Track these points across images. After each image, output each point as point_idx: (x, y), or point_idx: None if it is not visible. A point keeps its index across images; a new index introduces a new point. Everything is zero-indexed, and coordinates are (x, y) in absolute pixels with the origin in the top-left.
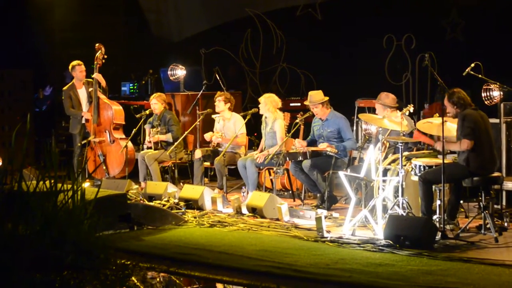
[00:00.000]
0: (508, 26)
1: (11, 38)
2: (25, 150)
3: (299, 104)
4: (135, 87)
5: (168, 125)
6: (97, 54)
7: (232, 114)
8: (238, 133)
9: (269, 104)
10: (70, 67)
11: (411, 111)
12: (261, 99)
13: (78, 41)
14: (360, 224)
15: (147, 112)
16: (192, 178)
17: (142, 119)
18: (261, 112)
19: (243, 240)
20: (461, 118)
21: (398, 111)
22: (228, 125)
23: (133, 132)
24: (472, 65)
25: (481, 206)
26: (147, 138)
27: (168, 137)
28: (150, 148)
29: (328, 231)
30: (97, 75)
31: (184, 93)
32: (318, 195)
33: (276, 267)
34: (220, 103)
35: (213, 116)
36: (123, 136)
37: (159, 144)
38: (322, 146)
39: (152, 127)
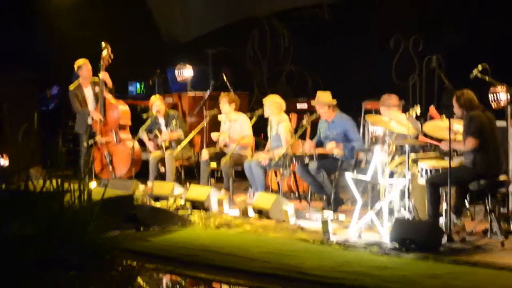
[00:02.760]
0: None
1: (18, 37)
2: (32, 150)
3: (306, 105)
4: (142, 87)
5: (177, 120)
6: (103, 53)
7: (239, 115)
8: (245, 134)
9: (273, 107)
10: (76, 66)
11: (418, 113)
12: (266, 101)
13: (85, 40)
14: (366, 227)
15: (154, 112)
16: (199, 179)
17: (149, 120)
18: (266, 115)
19: (249, 242)
20: (467, 118)
21: (402, 112)
22: (235, 126)
23: (140, 131)
24: (480, 67)
25: (488, 209)
26: (148, 143)
27: (180, 134)
28: (159, 150)
29: (334, 234)
30: (104, 74)
31: (191, 93)
32: (325, 197)
33: (281, 269)
34: (225, 104)
35: (219, 116)
36: (130, 136)
37: (171, 143)
38: (330, 145)
39: (150, 131)
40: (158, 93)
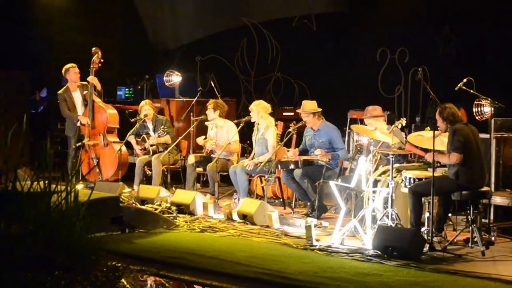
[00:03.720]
0: (500, 43)
1: (9, 40)
2: (21, 151)
3: (292, 113)
4: (130, 91)
5: (165, 126)
6: (94, 57)
7: (225, 122)
8: (231, 140)
9: (261, 111)
10: (63, 70)
11: (403, 124)
12: (252, 107)
13: (75, 44)
14: (349, 234)
15: (142, 116)
16: (185, 183)
17: (137, 124)
18: (253, 120)
19: (233, 246)
20: (451, 132)
21: (386, 123)
22: (221, 132)
23: (127, 135)
24: (465, 80)
25: (469, 219)
26: (136, 147)
27: (167, 139)
28: (146, 154)
29: (317, 240)
30: (92, 79)
31: (179, 99)
32: (308, 203)
33: (265, 273)
34: (210, 111)
35: (206, 123)
36: (117, 140)
37: (158, 148)
38: (317, 152)
39: (138, 135)
40: (146, 98)
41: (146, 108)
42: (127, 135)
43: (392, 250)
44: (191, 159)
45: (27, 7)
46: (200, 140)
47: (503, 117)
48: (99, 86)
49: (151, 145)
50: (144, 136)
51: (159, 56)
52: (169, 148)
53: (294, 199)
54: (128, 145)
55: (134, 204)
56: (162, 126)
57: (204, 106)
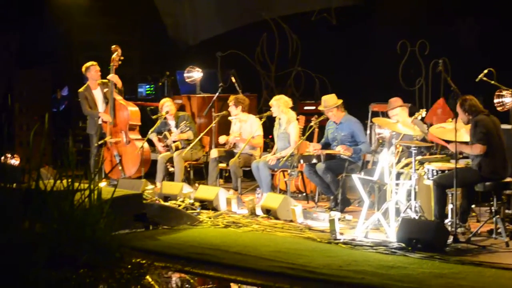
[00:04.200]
0: None
1: (29, 39)
2: (43, 150)
3: (313, 107)
4: (151, 88)
5: (187, 121)
6: (114, 55)
7: (249, 116)
8: (255, 134)
9: (282, 106)
10: (84, 68)
11: (423, 115)
12: (272, 102)
13: (95, 42)
14: (373, 227)
15: (164, 113)
16: (207, 179)
17: (159, 121)
18: (274, 115)
19: (257, 241)
20: (473, 124)
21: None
22: (245, 126)
23: (149, 132)
24: (485, 71)
25: (493, 210)
26: (158, 144)
27: (189, 134)
28: (168, 151)
29: (341, 233)
30: (113, 76)
31: (200, 95)
32: (332, 197)
33: (289, 268)
34: (232, 107)
35: (229, 118)
36: (139, 137)
37: (181, 143)
38: (338, 148)
39: (159, 133)
40: (167, 95)
41: (167, 104)
42: (149, 133)
43: (416, 242)
44: (214, 153)
45: (47, 6)
46: (222, 139)
47: None
48: (120, 84)
49: (174, 141)
50: (166, 133)
51: (179, 52)
52: (192, 144)
53: (317, 193)
54: (150, 142)
55: (157, 201)
56: (184, 122)
57: (225, 102)
